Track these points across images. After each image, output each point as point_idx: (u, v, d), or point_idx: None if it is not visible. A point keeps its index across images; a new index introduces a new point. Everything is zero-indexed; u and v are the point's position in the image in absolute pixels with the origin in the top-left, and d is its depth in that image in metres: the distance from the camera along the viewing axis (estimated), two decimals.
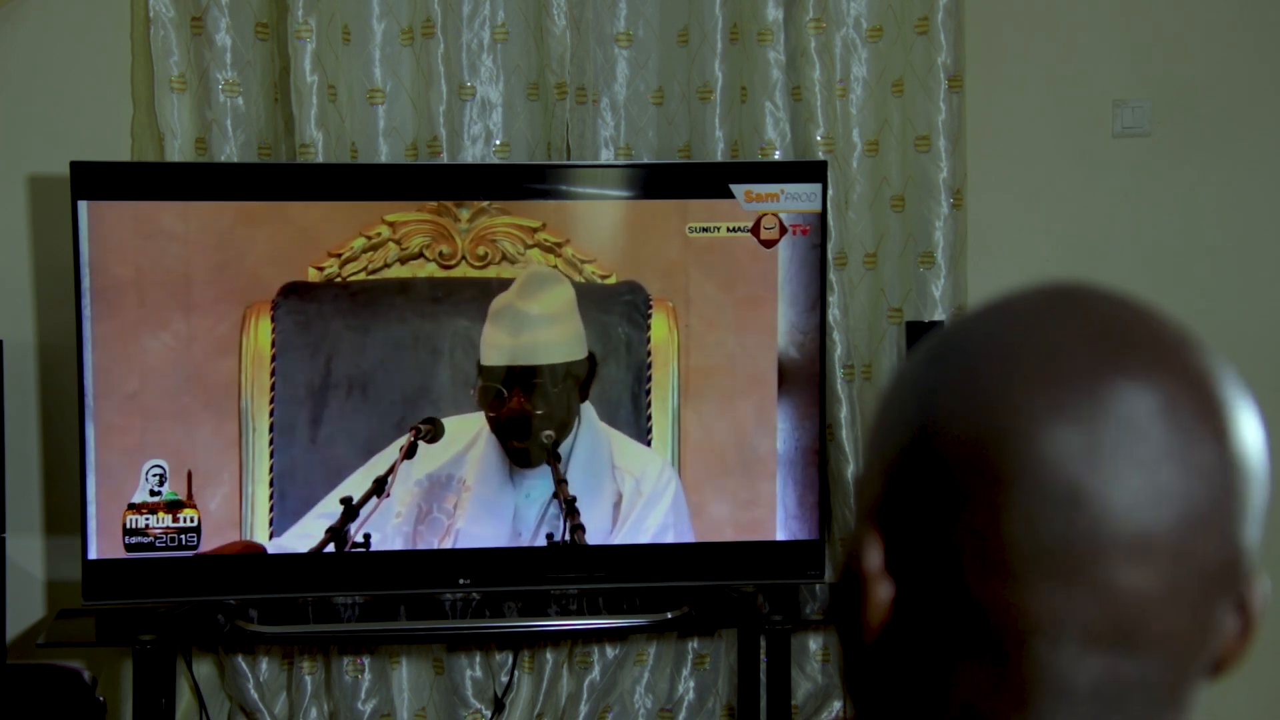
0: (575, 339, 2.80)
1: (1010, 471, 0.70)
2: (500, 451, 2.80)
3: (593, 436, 2.82)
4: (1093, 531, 0.69)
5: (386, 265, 2.76)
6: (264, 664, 3.03)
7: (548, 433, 2.81)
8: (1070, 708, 0.70)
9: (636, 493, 2.83)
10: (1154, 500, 0.69)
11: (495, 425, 2.79)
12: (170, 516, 2.74)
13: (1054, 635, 0.70)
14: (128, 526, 2.73)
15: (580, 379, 2.81)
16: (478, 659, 3.08)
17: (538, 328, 2.79)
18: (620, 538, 2.83)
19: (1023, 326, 0.73)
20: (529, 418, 2.79)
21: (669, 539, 2.84)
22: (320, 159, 2.88)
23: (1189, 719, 0.73)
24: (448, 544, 2.80)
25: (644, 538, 2.83)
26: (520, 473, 2.81)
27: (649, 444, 2.84)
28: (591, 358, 2.81)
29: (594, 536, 2.82)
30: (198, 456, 2.74)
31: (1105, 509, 0.69)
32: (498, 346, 2.78)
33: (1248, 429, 0.73)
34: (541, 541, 2.81)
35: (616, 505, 2.83)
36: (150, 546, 2.73)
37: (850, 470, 3.06)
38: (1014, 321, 0.74)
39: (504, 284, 2.79)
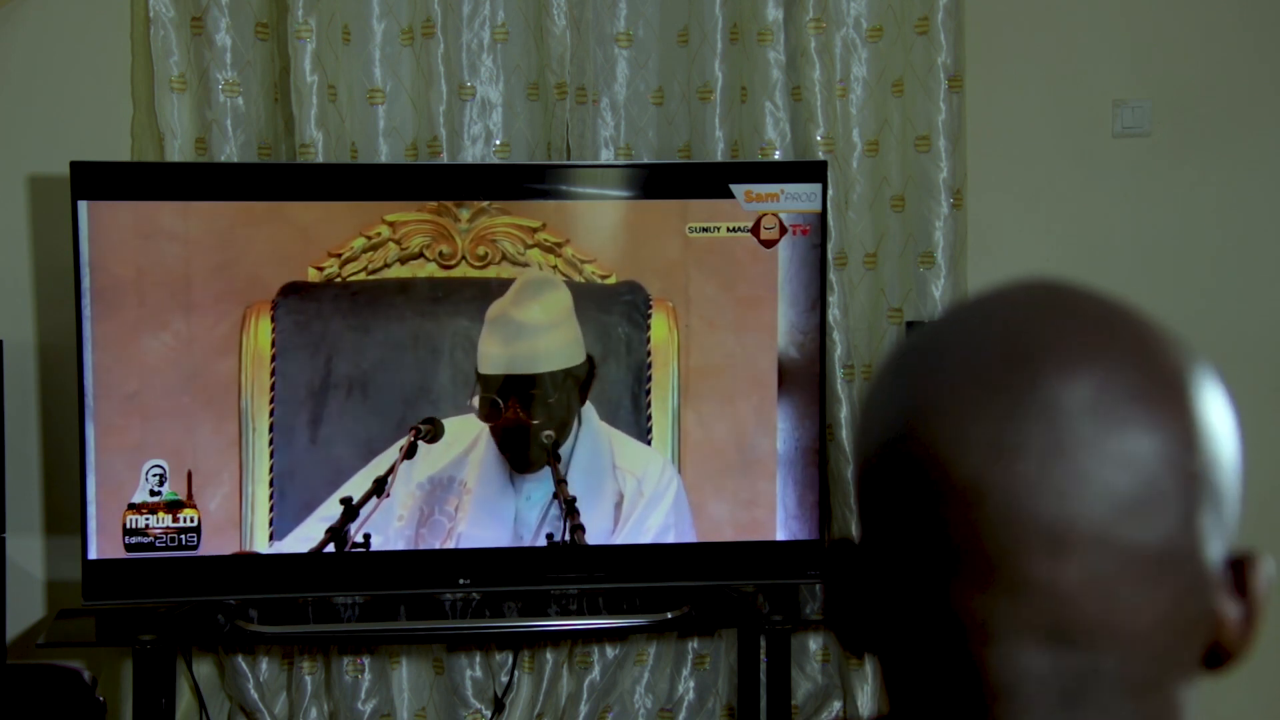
0: (573, 344, 2.80)
1: (925, 474, 0.70)
2: (500, 454, 2.80)
3: (594, 437, 2.82)
4: (998, 526, 0.68)
5: (386, 265, 2.76)
6: (264, 664, 3.03)
7: (548, 433, 2.81)
8: (1023, 704, 0.70)
9: (638, 493, 2.83)
10: (1062, 489, 0.68)
11: (495, 434, 2.79)
12: (170, 516, 2.74)
13: (988, 635, 0.70)
14: (128, 526, 2.73)
15: (580, 380, 2.81)
16: (478, 659, 3.08)
17: (535, 336, 2.79)
18: (622, 538, 2.83)
19: (952, 332, 0.73)
20: (527, 427, 2.79)
21: (670, 539, 2.84)
22: (320, 159, 2.88)
23: (1178, 709, 0.71)
24: (448, 545, 2.80)
25: (645, 538, 2.83)
26: (521, 475, 2.81)
27: (649, 444, 2.84)
28: (590, 360, 2.81)
29: (595, 536, 2.82)
30: (198, 456, 2.74)
31: (1006, 501, 0.68)
32: (494, 356, 2.78)
33: (1197, 413, 0.71)
34: (542, 543, 2.81)
35: (618, 505, 2.83)
36: (150, 546, 2.74)
37: (850, 470, 3.06)
38: (948, 328, 0.74)
39: (504, 284, 2.79)
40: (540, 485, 2.81)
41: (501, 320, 2.78)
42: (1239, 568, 0.73)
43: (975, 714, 0.71)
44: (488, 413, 2.78)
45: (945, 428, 0.70)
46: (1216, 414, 0.72)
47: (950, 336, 0.73)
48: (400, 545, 2.79)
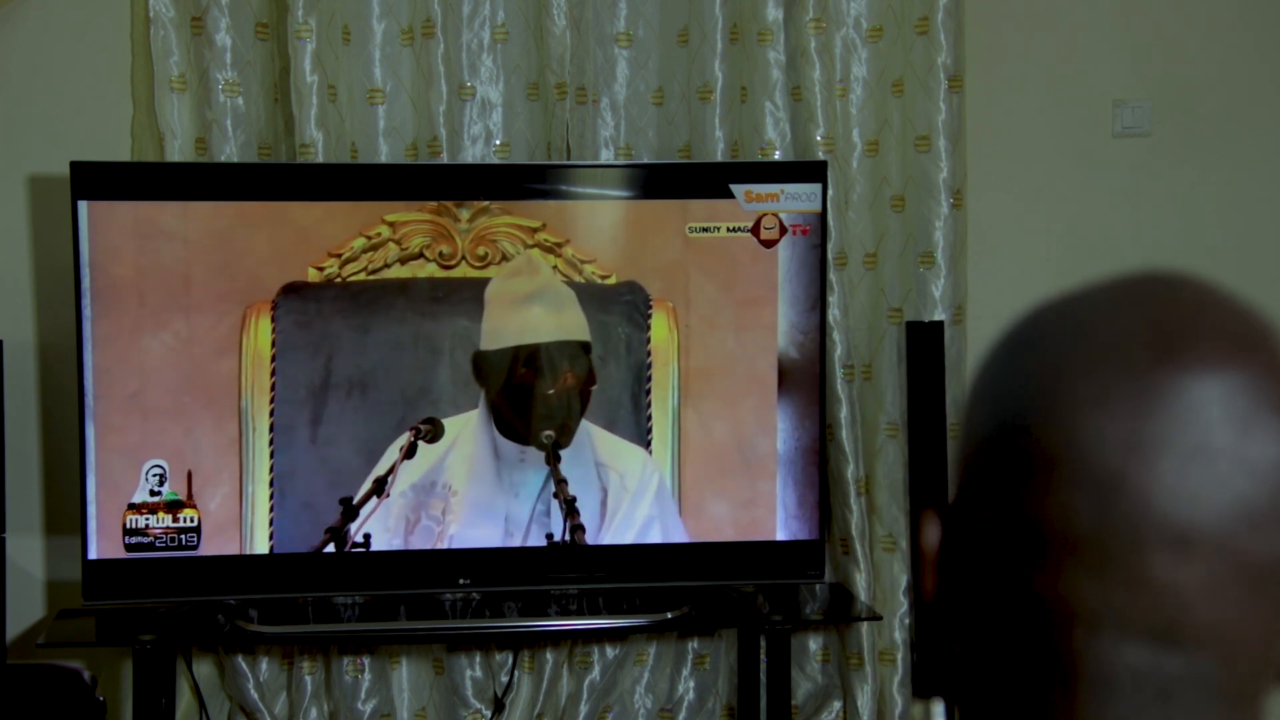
0: (581, 324, 2.80)
1: (1054, 458, 0.70)
2: (489, 449, 2.79)
3: (580, 434, 2.82)
4: (1128, 522, 0.68)
5: (386, 265, 2.76)
6: (264, 664, 3.03)
7: (548, 433, 2.81)
8: (1113, 696, 0.70)
9: (622, 489, 2.83)
10: (1198, 495, 0.68)
11: (498, 406, 2.78)
12: (170, 516, 2.74)
13: (1091, 624, 0.69)
14: (128, 526, 2.73)
15: (584, 374, 2.81)
16: (478, 659, 3.08)
17: (542, 305, 2.80)
18: (610, 534, 2.83)
19: (1088, 315, 0.73)
20: (531, 395, 2.79)
21: (655, 532, 2.84)
22: (320, 159, 2.88)
23: (1261, 717, 0.71)
24: (446, 545, 2.80)
25: (631, 532, 2.83)
26: (509, 472, 2.80)
27: (649, 444, 2.84)
28: (587, 349, 2.81)
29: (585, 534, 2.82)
30: (198, 456, 2.74)
31: (1142, 500, 0.68)
32: (502, 328, 2.78)
33: None
34: (534, 540, 2.81)
35: (603, 502, 2.83)
36: (150, 546, 2.73)
37: (850, 470, 3.06)
38: (1082, 310, 0.73)
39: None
40: (528, 479, 2.81)
41: (507, 292, 2.78)
42: None
43: (1060, 701, 0.71)
44: (495, 380, 2.76)
45: (1085, 415, 0.69)
46: None
47: (1089, 320, 0.72)
48: (398, 542, 2.79)
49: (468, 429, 2.79)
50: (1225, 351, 0.70)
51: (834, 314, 3.01)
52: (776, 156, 3.00)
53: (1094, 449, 0.69)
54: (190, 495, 2.74)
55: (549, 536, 2.81)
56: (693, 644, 3.16)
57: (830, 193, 2.88)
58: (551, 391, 2.80)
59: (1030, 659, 0.72)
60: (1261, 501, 0.68)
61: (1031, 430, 0.71)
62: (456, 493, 2.79)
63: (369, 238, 2.76)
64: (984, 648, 0.75)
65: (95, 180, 2.68)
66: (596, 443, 2.82)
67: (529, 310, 2.80)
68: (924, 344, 2.94)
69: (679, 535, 2.85)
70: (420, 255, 2.77)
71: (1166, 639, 0.69)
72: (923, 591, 0.77)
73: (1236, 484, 0.68)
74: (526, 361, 2.79)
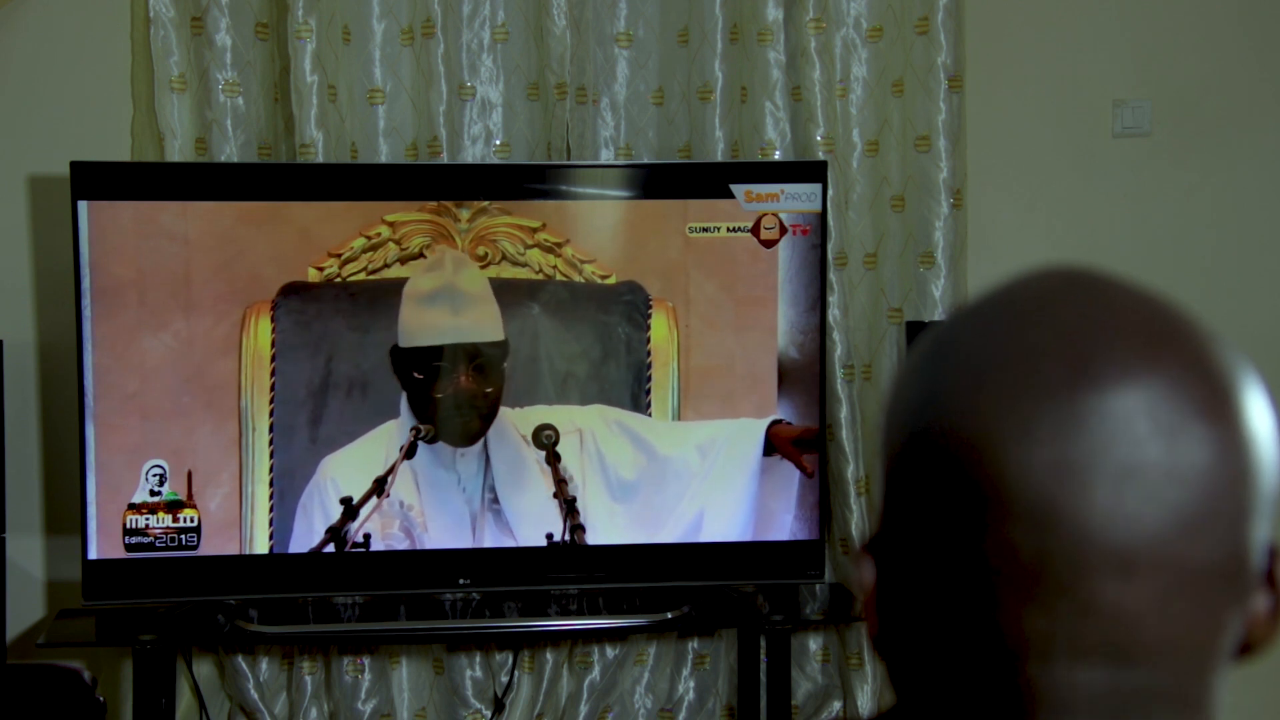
0: (496, 321, 2.78)
1: (986, 491, 0.68)
2: (427, 452, 2.77)
3: (499, 427, 2.79)
4: (1069, 550, 0.67)
5: (386, 265, 2.76)
6: (264, 664, 3.03)
7: (548, 433, 2.80)
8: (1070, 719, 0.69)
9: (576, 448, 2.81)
10: (1133, 513, 0.67)
11: (437, 410, 2.76)
12: (170, 516, 2.74)
13: (1044, 653, 0.69)
14: (128, 526, 2.73)
15: (499, 361, 2.78)
16: (478, 659, 3.08)
17: (474, 306, 2.77)
18: (601, 528, 2.82)
19: (1000, 330, 0.71)
20: (476, 395, 2.77)
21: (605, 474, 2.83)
22: (320, 159, 2.88)
23: (1215, 707, 0.71)
24: (442, 547, 2.80)
25: (620, 527, 2.83)
26: (449, 470, 2.78)
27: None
28: (506, 343, 2.78)
29: (525, 523, 2.81)
30: (198, 456, 2.74)
31: (1080, 526, 0.67)
32: (435, 327, 2.76)
33: (1247, 420, 0.69)
34: (490, 532, 2.80)
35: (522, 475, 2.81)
36: (150, 546, 2.73)
37: (850, 470, 3.06)
38: (992, 324, 0.71)
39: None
40: (470, 473, 2.78)
41: (421, 289, 2.75)
42: (1270, 559, 0.72)
43: None
44: (446, 382, 2.75)
45: (1008, 445, 0.67)
46: (1262, 418, 0.70)
47: (997, 337, 0.70)
48: (399, 546, 2.79)
49: (392, 436, 2.77)
50: (1138, 358, 0.68)
51: (834, 314, 3.01)
52: (776, 156, 3.00)
53: (1024, 480, 0.67)
54: (190, 495, 2.74)
55: (549, 536, 2.81)
56: (693, 644, 3.16)
57: (830, 193, 2.88)
58: (470, 390, 2.77)
59: (982, 691, 0.71)
60: (1194, 508, 0.67)
61: (959, 463, 0.69)
62: (412, 506, 2.77)
63: (369, 238, 2.76)
64: (935, 681, 0.73)
65: (95, 180, 2.68)
66: (515, 422, 2.79)
67: (443, 308, 2.77)
68: None
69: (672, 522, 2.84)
70: (420, 255, 2.77)
71: (1120, 658, 0.68)
72: (867, 633, 0.77)
73: (1169, 495, 0.67)
74: (445, 358, 2.77)
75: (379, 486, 2.76)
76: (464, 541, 2.80)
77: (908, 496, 0.72)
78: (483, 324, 2.77)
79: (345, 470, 2.75)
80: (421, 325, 2.76)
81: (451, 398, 2.77)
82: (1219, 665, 0.71)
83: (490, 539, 2.80)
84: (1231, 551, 0.69)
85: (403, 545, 2.78)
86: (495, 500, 2.79)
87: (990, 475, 0.68)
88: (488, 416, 2.78)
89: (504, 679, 3.08)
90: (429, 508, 2.78)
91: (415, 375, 2.75)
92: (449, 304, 2.76)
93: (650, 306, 2.82)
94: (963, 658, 0.71)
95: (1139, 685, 0.69)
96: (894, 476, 0.73)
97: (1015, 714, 0.70)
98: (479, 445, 2.78)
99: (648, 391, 2.83)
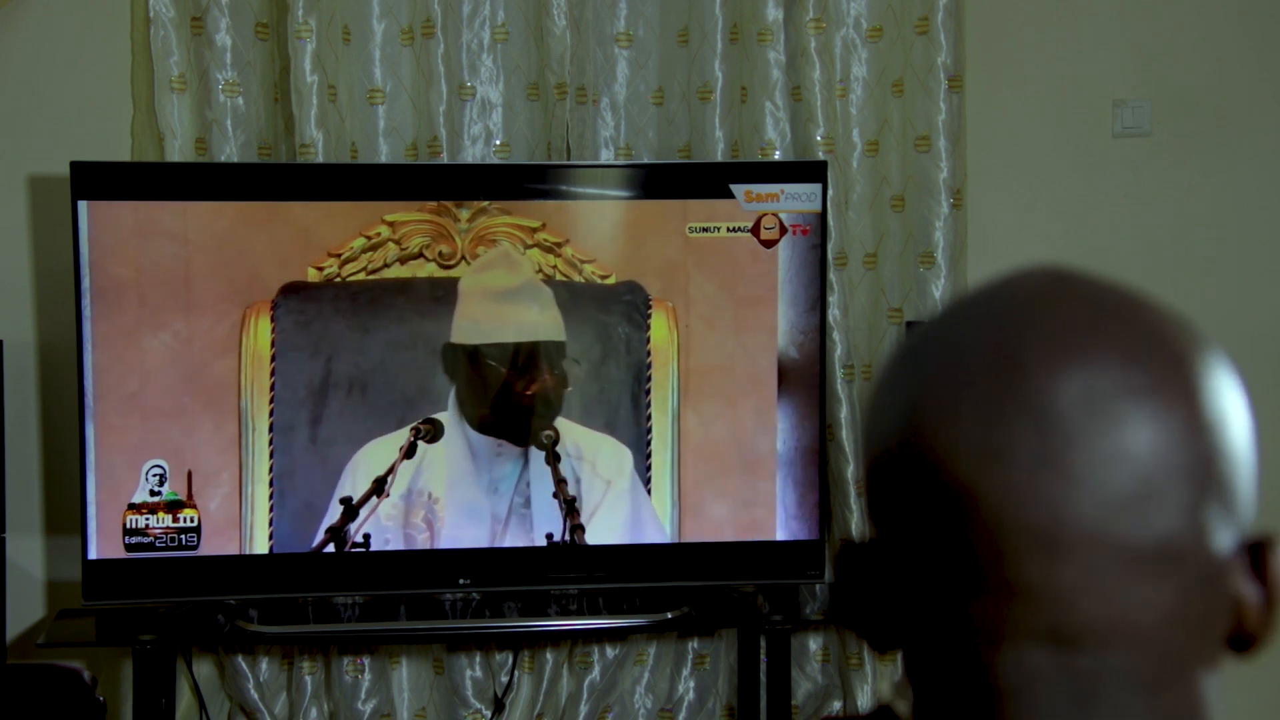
0: (558, 322, 2.79)
1: (923, 479, 0.70)
2: (464, 446, 2.78)
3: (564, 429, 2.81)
4: (991, 533, 0.68)
5: (386, 265, 2.77)
6: (264, 664, 3.03)
7: (547, 433, 2.80)
8: (1033, 706, 0.69)
9: (594, 476, 2.82)
10: (1056, 495, 0.67)
11: (471, 396, 2.77)
12: (170, 516, 2.74)
13: (993, 638, 0.69)
14: (128, 526, 2.73)
15: (559, 379, 2.80)
16: (478, 659, 3.08)
17: (523, 303, 2.78)
18: (591, 526, 2.81)
19: (948, 328, 0.73)
20: (527, 397, 2.78)
21: (625, 510, 2.83)
22: (320, 159, 2.88)
23: (1200, 700, 0.71)
24: (445, 546, 2.80)
25: (611, 524, 2.83)
26: (486, 468, 2.79)
27: (649, 444, 2.84)
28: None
29: (548, 525, 2.81)
30: (198, 456, 2.74)
31: (996, 507, 0.68)
32: (489, 325, 2.77)
33: (1204, 403, 0.69)
34: (514, 534, 2.81)
35: (579, 494, 2.82)
36: (150, 546, 2.74)
37: (850, 470, 3.06)
38: (943, 324, 0.74)
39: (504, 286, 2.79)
40: (506, 475, 2.79)
41: (481, 286, 2.77)
42: (1258, 551, 0.72)
43: (986, 715, 0.71)
44: (465, 373, 2.75)
45: (939, 432, 0.70)
46: (1222, 400, 0.70)
47: (943, 337, 0.73)
48: (399, 545, 2.79)
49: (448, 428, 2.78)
50: (1064, 347, 0.69)
51: (834, 314, 3.01)
52: (776, 156, 3.00)
53: (949, 464, 0.69)
54: (190, 495, 2.74)
55: (549, 536, 2.81)
56: (693, 644, 3.16)
57: (830, 193, 2.88)
58: (529, 390, 2.79)
59: (956, 679, 0.72)
60: (1129, 487, 0.67)
61: (904, 452, 0.71)
62: (438, 499, 2.78)
63: (369, 238, 2.76)
64: (912, 665, 0.75)
65: (95, 180, 2.68)
66: (571, 439, 2.82)
67: (505, 306, 2.78)
68: None
69: (653, 523, 2.84)
70: (420, 255, 2.77)
71: (1064, 641, 0.69)
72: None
73: (1096, 476, 0.67)
74: (503, 357, 2.78)
75: (379, 486, 2.76)
76: (482, 541, 2.80)
77: (878, 495, 0.75)
78: (544, 324, 2.78)
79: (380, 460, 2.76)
80: (483, 321, 2.76)
81: (502, 396, 2.77)
82: (1194, 649, 0.70)
83: (510, 540, 2.80)
84: (1176, 531, 0.68)
85: (423, 536, 2.78)
86: (527, 504, 2.80)
87: (923, 460, 0.70)
88: (544, 417, 2.79)
89: (504, 679, 3.08)
90: (451, 503, 2.78)
91: (468, 371, 2.76)
92: (511, 303, 2.77)
93: (650, 306, 2.82)
94: (935, 647, 0.72)
95: (1092, 668, 0.69)
96: (869, 479, 0.76)
97: (985, 701, 0.71)
98: (519, 447, 2.79)
99: (648, 392, 2.83)
